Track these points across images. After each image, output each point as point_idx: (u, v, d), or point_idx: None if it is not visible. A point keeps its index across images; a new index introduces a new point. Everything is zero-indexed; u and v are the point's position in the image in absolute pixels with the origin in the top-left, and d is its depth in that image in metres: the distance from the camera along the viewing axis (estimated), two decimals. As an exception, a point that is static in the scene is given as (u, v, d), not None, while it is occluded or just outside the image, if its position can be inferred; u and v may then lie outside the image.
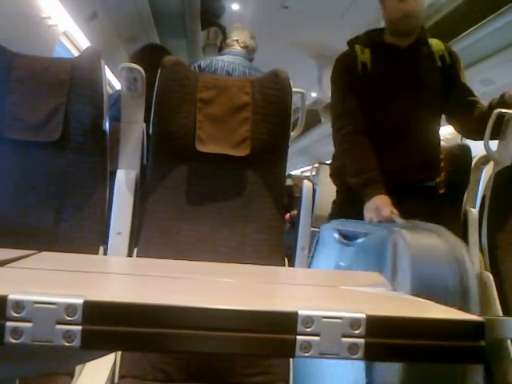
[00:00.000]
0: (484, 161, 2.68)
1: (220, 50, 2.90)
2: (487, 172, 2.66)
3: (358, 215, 1.60)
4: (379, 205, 1.57)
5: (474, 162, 2.71)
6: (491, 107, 1.74)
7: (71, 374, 1.24)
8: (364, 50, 1.83)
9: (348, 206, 1.82)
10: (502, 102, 1.71)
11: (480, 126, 1.76)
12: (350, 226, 1.35)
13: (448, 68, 1.86)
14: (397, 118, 1.77)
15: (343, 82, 1.83)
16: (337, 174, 1.97)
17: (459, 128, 1.94)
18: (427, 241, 0.93)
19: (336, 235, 1.35)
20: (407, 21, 1.76)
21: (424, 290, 0.85)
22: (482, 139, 1.84)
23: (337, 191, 2.05)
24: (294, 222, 2.26)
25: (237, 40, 2.74)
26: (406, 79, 1.80)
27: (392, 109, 1.78)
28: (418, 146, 1.80)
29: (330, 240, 1.38)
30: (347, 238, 1.29)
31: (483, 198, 1.93)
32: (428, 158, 1.84)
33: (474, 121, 1.82)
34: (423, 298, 0.77)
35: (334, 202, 2.05)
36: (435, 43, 1.88)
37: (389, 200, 1.58)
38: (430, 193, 1.86)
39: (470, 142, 2.83)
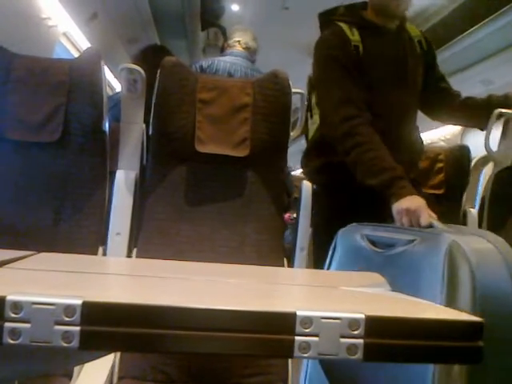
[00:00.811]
0: (483, 162, 2.69)
1: (222, 50, 2.90)
2: (486, 173, 2.67)
3: (364, 220, 1.39)
4: (414, 207, 1.36)
5: (473, 163, 2.72)
6: (490, 104, 1.70)
7: (70, 375, 1.24)
8: (353, 31, 1.63)
9: (342, 211, 1.59)
10: (506, 102, 1.68)
11: (474, 118, 1.74)
12: (382, 231, 1.20)
13: (425, 54, 1.77)
14: (393, 109, 1.65)
15: (339, 65, 1.60)
16: (324, 171, 1.74)
17: (436, 115, 1.85)
18: (482, 247, 0.88)
19: (363, 242, 1.20)
20: (397, 3, 1.62)
21: (487, 300, 0.82)
22: (466, 126, 1.80)
23: (318, 193, 1.86)
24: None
25: (239, 41, 2.74)
26: (397, 66, 1.67)
27: (387, 99, 1.64)
28: (411, 138, 1.72)
29: (353, 247, 1.24)
30: (379, 245, 1.15)
31: (483, 199, 1.93)
32: (418, 152, 1.78)
33: (456, 108, 1.77)
34: (486, 310, 0.75)
35: (323, 208, 1.81)
36: (411, 28, 1.77)
37: (424, 201, 1.39)
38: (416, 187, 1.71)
39: (470, 143, 2.83)
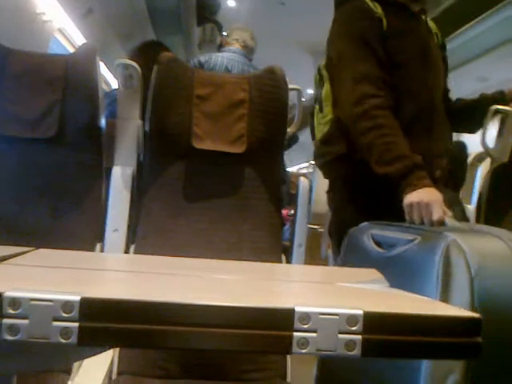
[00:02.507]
0: (480, 158, 2.70)
1: (220, 47, 2.96)
2: (483, 169, 2.67)
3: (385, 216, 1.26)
4: (427, 201, 1.23)
5: (470, 159, 2.73)
6: (481, 102, 1.66)
7: (69, 371, 1.24)
8: (375, 5, 1.48)
9: (365, 208, 1.43)
10: (502, 98, 1.64)
11: (470, 118, 1.69)
12: (387, 230, 1.13)
13: (442, 48, 1.65)
14: (423, 90, 1.51)
15: (360, 39, 1.43)
16: (346, 159, 1.52)
17: None
18: (491, 248, 0.80)
19: (369, 242, 1.13)
20: None
21: (489, 305, 0.75)
22: (457, 131, 1.74)
23: (337, 188, 1.61)
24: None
25: (237, 39, 2.81)
26: (422, 47, 1.53)
27: (416, 80, 1.50)
28: (444, 127, 1.57)
29: (361, 248, 1.17)
30: (384, 245, 1.08)
31: (480, 195, 1.94)
32: (451, 143, 1.62)
33: (454, 108, 1.67)
34: (489, 315, 0.72)
35: (346, 204, 1.56)
36: (429, 21, 1.66)
37: (440, 196, 1.26)
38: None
39: (466, 139, 2.84)
